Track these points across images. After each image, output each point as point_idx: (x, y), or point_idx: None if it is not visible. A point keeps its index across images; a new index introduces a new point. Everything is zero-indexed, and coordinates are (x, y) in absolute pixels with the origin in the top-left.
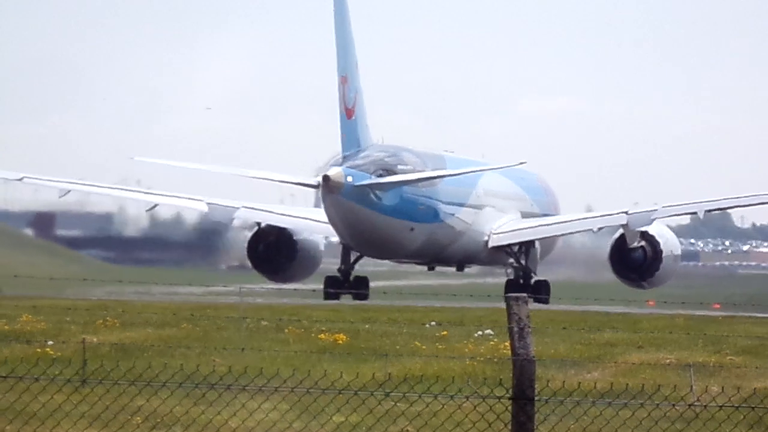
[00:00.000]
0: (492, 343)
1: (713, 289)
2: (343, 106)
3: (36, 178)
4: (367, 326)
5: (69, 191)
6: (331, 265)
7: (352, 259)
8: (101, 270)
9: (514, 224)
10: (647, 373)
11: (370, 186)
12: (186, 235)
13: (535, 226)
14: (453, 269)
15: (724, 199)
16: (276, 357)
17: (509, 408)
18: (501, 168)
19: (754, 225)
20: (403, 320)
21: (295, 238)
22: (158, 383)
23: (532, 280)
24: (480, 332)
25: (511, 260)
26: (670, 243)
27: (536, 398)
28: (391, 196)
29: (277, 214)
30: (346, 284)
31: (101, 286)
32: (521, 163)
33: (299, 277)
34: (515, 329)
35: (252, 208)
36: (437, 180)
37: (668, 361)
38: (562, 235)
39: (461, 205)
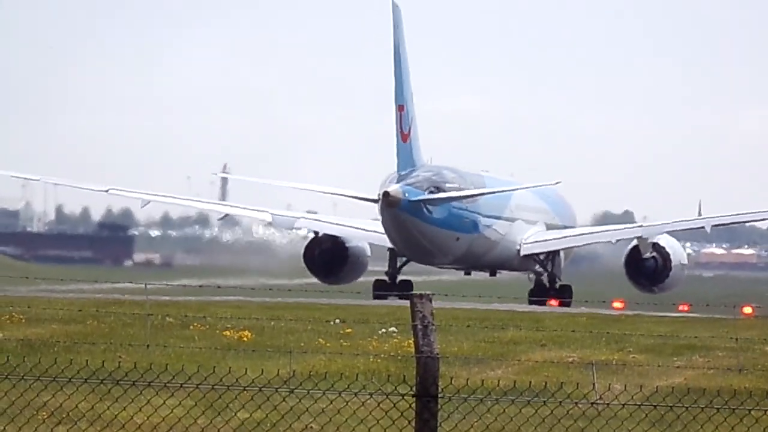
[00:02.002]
0: (396, 340)
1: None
2: (400, 131)
3: (122, 190)
4: (272, 323)
5: (149, 202)
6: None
7: (398, 264)
8: (6, 267)
9: (541, 235)
10: (550, 371)
11: (423, 201)
12: (92, 232)
13: (560, 237)
14: (486, 274)
15: (731, 215)
16: (181, 354)
17: (413, 405)
18: (536, 186)
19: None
20: (308, 318)
21: (346, 245)
22: (64, 379)
23: (558, 284)
24: (384, 330)
25: (538, 267)
26: (678, 254)
27: (440, 395)
28: (440, 210)
29: (332, 223)
30: (393, 286)
31: (7, 283)
32: (557, 183)
33: (349, 279)
34: (419, 327)
35: (310, 218)
36: (478, 196)
37: (571, 359)
38: (585, 245)
39: (497, 218)
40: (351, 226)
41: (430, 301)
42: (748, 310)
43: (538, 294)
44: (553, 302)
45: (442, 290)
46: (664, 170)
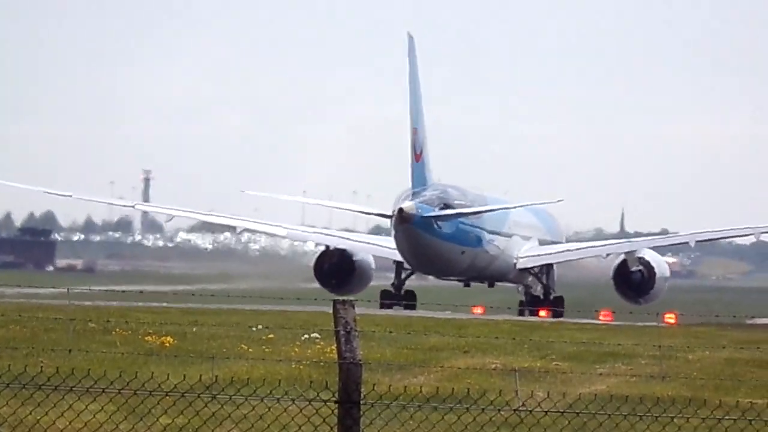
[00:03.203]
0: (318, 346)
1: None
2: (413, 151)
3: (149, 206)
4: (194, 329)
5: (173, 217)
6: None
7: (404, 275)
8: None
9: (536, 250)
10: (473, 377)
11: (434, 217)
12: (14, 236)
13: (555, 252)
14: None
15: (715, 230)
16: (103, 359)
17: (335, 411)
18: (537, 204)
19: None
20: (231, 323)
21: (353, 258)
22: None
23: (552, 296)
24: (306, 335)
25: (532, 279)
26: (661, 267)
27: (362, 402)
28: (448, 226)
29: (341, 237)
30: (398, 296)
31: None
32: (559, 201)
33: (356, 289)
34: (342, 333)
35: (323, 233)
36: (482, 213)
37: (494, 366)
38: (577, 259)
39: (498, 233)
40: (360, 241)
41: (353, 308)
42: (670, 317)
43: (532, 305)
44: (543, 312)
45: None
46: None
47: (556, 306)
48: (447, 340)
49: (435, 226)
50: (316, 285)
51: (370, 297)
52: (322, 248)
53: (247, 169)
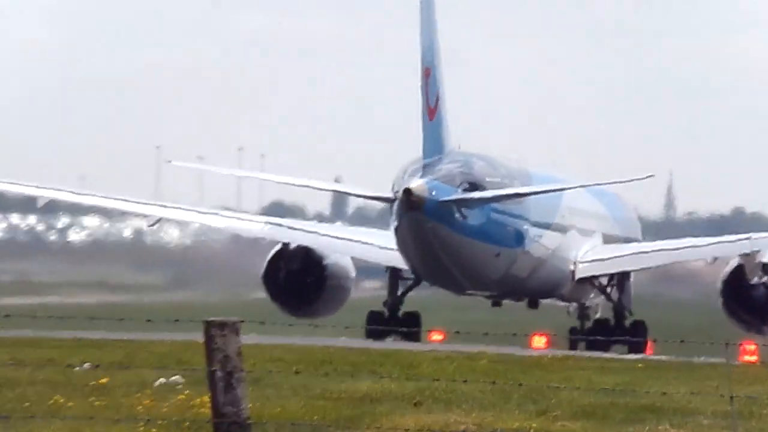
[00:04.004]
0: (182, 396)
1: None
2: (425, 104)
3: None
4: None
5: (160, 219)
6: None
7: (402, 289)
8: None
9: (603, 251)
10: None
11: (456, 202)
12: None
13: (631, 254)
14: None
15: None
16: None
17: None
18: (607, 184)
19: None
20: (38, 360)
21: (324, 262)
22: None
23: (627, 320)
24: (163, 379)
25: (594, 295)
26: None
27: None
28: (477, 215)
29: (307, 231)
30: (393, 321)
31: None
32: (648, 177)
33: (325, 311)
34: (219, 375)
35: (278, 224)
36: (524, 196)
37: (463, 426)
38: (666, 265)
39: (547, 226)
40: (334, 236)
41: (237, 334)
42: (751, 351)
43: (597, 333)
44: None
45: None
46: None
47: (635, 335)
48: (388, 386)
49: (457, 215)
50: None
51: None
52: (277, 246)
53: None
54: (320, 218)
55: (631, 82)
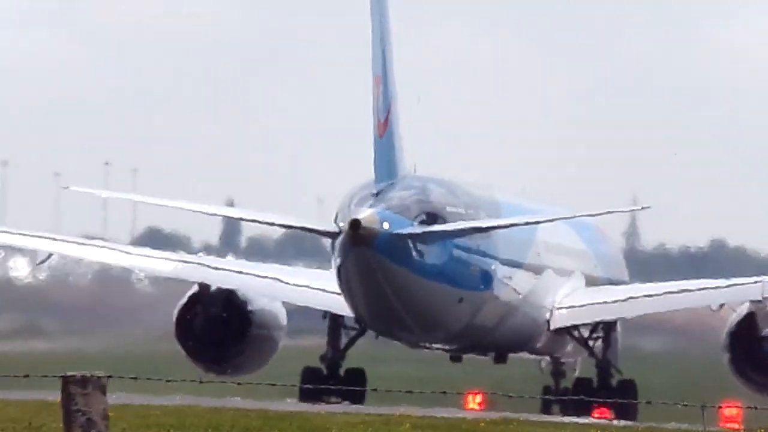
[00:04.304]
0: None
1: None
2: (375, 119)
3: None
4: None
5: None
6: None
7: (345, 340)
8: None
9: (584, 295)
10: None
11: (412, 237)
12: None
13: (618, 300)
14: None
15: None
16: None
17: None
18: (589, 216)
19: None
20: None
21: (249, 308)
22: None
23: (614, 379)
24: None
25: (572, 347)
26: None
27: None
28: (436, 253)
29: (230, 270)
30: (333, 380)
31: None
32: (644, 208)
33: (249, 366)
34: None
35: (189, 262)
36: (493, 229)
37: None
38: (658, 313)
39: (518, 266)
40: (259, 275)
41: (103, 392)
42: (732, 414)
43: (579, 393)
44: (602, 412)
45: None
46: None
47: (623, 396)
48: None
49: (413, 252)
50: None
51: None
52: (193, 289)
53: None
54: (208, 249)
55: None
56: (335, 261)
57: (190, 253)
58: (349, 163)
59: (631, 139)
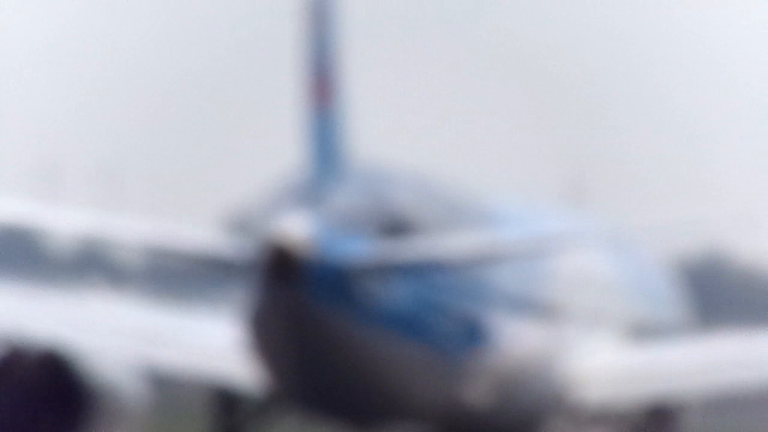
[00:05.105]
0: None
1: None
2: (308, 74)
3: None
4: None
5: None
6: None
7: (238, 419)
8: None
9: (629, 357)
10: None
11: (369, 267)
12: None
13: (678, 366)
14: None
15: None
16: None
17: None
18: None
19: None
20: None
21: (82, 379)
22: None
23: None
24: None
25: None
26: None
27: None
28: (404, 292)
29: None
30: None
31: None
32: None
33: None
34: None
35: None
36: (485, 255)
37: None
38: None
39: (525, 310)
40: (98, 322)
41: None
42: None
43: None
44: None
45: None
46: None
47: None
48: None
49: (368, 290)
50: None
51: None
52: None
53: None
54: None
55: None
56: (244, 304)
57: None
58: (260, 144)
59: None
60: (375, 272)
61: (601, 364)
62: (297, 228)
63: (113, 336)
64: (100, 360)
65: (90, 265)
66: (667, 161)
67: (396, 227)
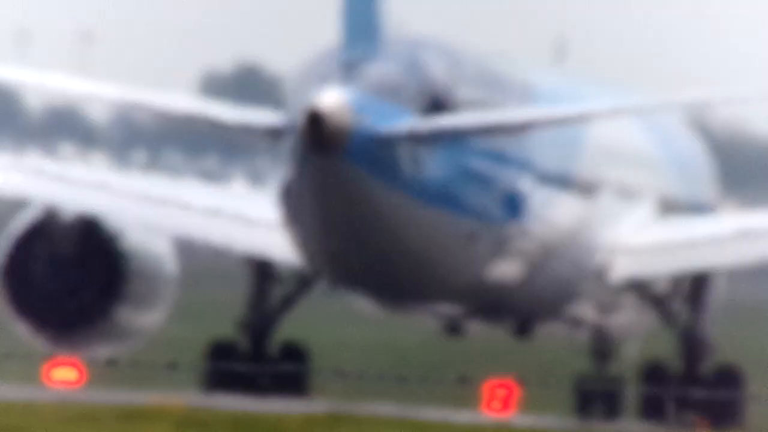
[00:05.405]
0: None
1: None
2: None
3: None
4: None
5: None
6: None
7: (276, 301)
8: None
9: (662, 229)
10: None
11: (408, 138)
12: None
13: (720, 239)
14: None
15: None
16: None
17: None
18: (669, 104)
19: None
20: None
21: (120, 246)
22: None
23: (707, 366)
24: None
25: (630, 315)
26: None
27: None
28: (441, 163)
29: (90, 187)
30: (257, 359)
31: None
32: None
33: (117, 338)
34: None
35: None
36: (525, 126)
37: None
38: None
39: (561, 184)
40: (135, 196)
41: None
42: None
43: (652, 386)
44: (700, 420)
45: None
46: None
47: (725, 395)
48: None
49: (407, 161)
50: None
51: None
52: (33, 215)
53: None
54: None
55: None
56: (281, 176)
57: None
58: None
59: None
60: (412, 142)
61: (635, 239)
62: (335, 97)
63: (147, 204)
64: (133, 227)
65: (60, 129)
66: (649, 25)
67: (433, 99)
